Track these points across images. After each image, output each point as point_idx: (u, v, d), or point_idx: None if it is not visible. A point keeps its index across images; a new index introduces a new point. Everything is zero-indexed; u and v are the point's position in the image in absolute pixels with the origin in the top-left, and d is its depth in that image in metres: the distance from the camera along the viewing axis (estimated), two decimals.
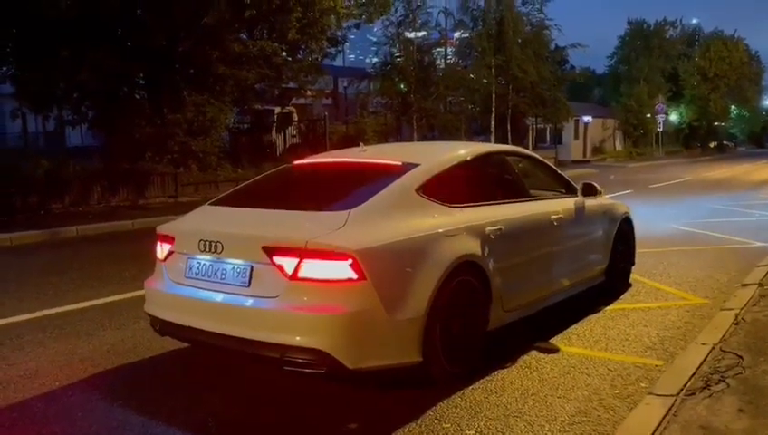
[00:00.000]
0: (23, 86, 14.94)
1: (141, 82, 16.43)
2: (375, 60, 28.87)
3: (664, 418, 3.20)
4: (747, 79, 53.90)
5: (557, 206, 5.30)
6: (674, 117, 49.51)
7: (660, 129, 42.87)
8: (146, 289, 4.24)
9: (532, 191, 5.38)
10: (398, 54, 27.37)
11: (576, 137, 37.74)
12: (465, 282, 4.00)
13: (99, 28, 13.95)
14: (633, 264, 6.58)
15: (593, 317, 5.39)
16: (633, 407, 3.51)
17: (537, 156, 5.94)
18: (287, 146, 21.86)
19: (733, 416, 3.19)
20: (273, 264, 3.51)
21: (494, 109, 29.00)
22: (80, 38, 13.81)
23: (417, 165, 4.26)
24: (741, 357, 4.02)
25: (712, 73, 50.40)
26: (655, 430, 3.09)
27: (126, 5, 14.11)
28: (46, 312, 5.76)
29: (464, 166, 4.63)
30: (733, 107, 56.86)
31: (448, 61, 31.40)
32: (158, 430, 3.46)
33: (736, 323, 4.77)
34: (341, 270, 3.41)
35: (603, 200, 6.10)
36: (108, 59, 13.90)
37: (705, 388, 3.56)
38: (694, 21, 57.63)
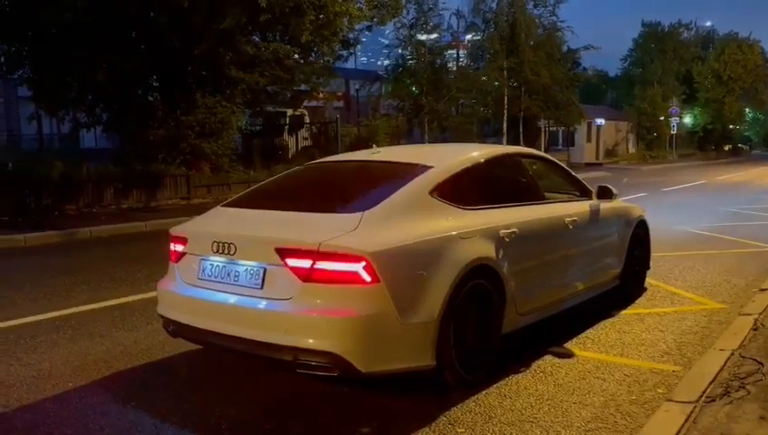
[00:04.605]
0: (38, 88, 15.08)
1: (154, 84, 16.53)
2: (387, 62, 28.95)
3: (683, 425, 3.14)
4: (762, 82, 53.27)
5: (572, 209, 5.24)
6: (688, 120, 49.13)
7: (674, 131, 42.54)
8: (158, 291, 4.24)
9: (546, 194, 5.33)
10: (409, 57, 27.41)
11: (589, 139, 37.54)
12: (480, 285, 3.95)
13: (113, 31, 14.05)
14: (648, 268, 6.50)
15: (608, 322, 5.32)
16: (651, 413, 3.45)
17: (552, 158, 5.88)
18: (299, 148, 21.90)
19: (754, 424, 3.12)
20: (287, 266, 3.49)
21: (506, 111, 28.92)
22: (94, 41, 13.92)
23: (430, 167, 4.23)
24: (761, 363, 3.94)
25: (726, 76, 49.91)
26: None
27: (140, 9, 14.20)
28: (59, 312, 5.78)
29: (478, 168, 4.58)
30: (747, 110, 56.28)
31: (460, 63, 31.36)
32: (171, 432, 3.45)
33: (755, 329, 4.69)
34: (355, 272, 3.38)
35: (618, 203, 6.03)
36: (122, 61, 14.00)
37: (724, 395, 3.49)
38: (708, 23, 57.26)
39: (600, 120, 38.61)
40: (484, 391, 3.84)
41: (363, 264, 3.37)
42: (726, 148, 55.42)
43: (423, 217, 3.88)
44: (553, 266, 4.91)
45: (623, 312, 5.61)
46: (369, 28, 20.43)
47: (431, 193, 4.02)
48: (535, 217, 4.72)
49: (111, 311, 5.84)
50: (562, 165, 5.88)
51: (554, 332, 4.91)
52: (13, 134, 24.72)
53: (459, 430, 3.37)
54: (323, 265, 3.40)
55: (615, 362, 4.39)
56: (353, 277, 3.39)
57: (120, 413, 3.69)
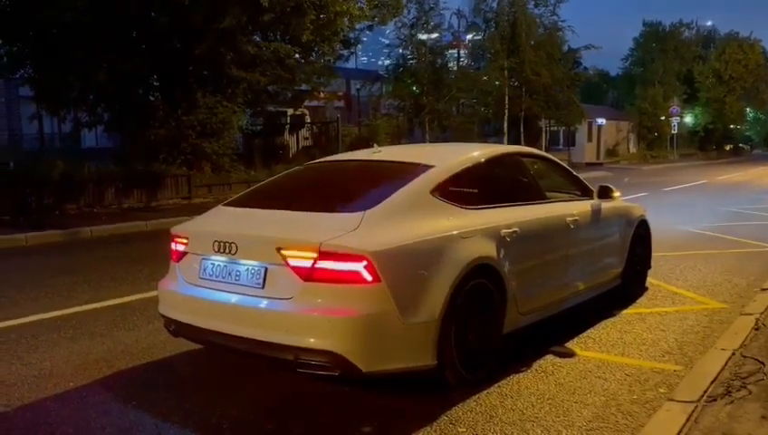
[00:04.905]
0: (40, 88, 15.09)
1: (155, 83, 16.54)
2: (387, 62, 28.99)
3: (684, 424, 3.14)
4: (763, 81, 53.25)
5: (573, 208, 5.24)
6: (689, 119, 49.11)
7: (675, 131, 42.53)
8: (159, 290, 4.24)
9: (547, 193, 5.32)
10: (410, 56, 27.44)
11: (589, 139, 37.53)
12: (481, 284, 3.95)
13: (113, 31, 14.05)
14: (650, 267, 6.49)
15: (609, 321, 5.32)
16: (652, 413, 3.45)
17: (552, 157, 5.88)
18: (300, 148, 21.92)
19: (756, 423, 3.12)
20: (288, 265, 3.49)
21: (506, 111, 28.92)
22: (95, 41, 13.93)
23: (431, 166, 4.23)
24: (762, 363, 3.94)
25: (727, 76, 49.90)
26: None
27: (141, 9, 14.20)
28: (60, 312, 5.78)
29: (479, 167, 4.58)
30: (748, 110, 56.26)
31: (461, 63, 31.37)
32: (172, 432, 3.45)
33: (756, 329, 4.68)
34: (356, 272, 3.38)
35: (619, 203, 6.02)
36: (122, 61, 14.01)
37: (726, 394, 3.49)
38: (709, 23, 57.26)
39: (601, 120, 38.59)
40: (485, 391, 3.84)
41: (364, 263, 3.37)
42: (727, 147, 55.41)
43: (424, 216, 3.87)
44: (554, 266, 4.91)
45: (624, 311, 5.61)
46: (369, 28, 20.45)
47: (432, 193, 4.01)
48: (536, 216, 4.72)
49: (112, 310, 5.84)
50: (563, 164, 5.88)
51: (555, 331, 4.90)
52: (14, 134, 24.75)
53: (460, 430, 3.37)
54: (324, 264, 3.40)
55: (616, 361, 4.39)
56: (354, 277, 3.39)
57: (122, 412, 3.69)
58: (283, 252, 3.50)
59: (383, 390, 3.84)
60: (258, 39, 16.83)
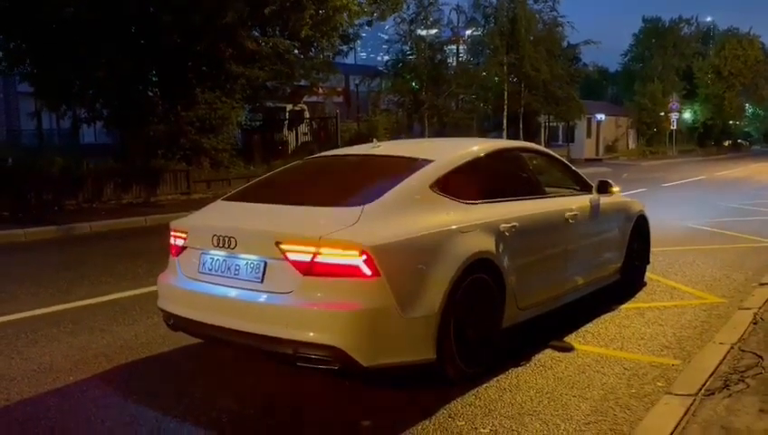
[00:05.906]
0: (39, 84, 15.05)
1: (154, 79, 16.51)
2: (387, 58, 28.96)
3: (683, 418, 3.15)
4: (763, 77, 53.25)
5: (572, 203, 5.24)
6: (688, 115, 49.13)
7: (674, 127, 42.55)
8: (159, 285, 4.24)
9: (547, 188, 5.33)
10: (409, 52, 27.42)
11: (589, 135, 37.55)
12: (480, 279, 3.95)
13: (113, 27, 14.02)
14: (648, 262, 6.50)
15: (608, 316, 5.33)
16: (650, 407, 3.46)
17: (552, 153, 5.88)
18: (299, 143, 21.90)
19: (754, 416, 3.13)
20: (287, 259, 3.49)
21: (506, 107, 28.91)
22: (94, 37, 13.89)
23: (431, 161, 4.23)
24: (760, 357, 3.95)
25: (726, 72, 49.91)
26: (674, 431, 3.04)
27: (140, 6, 14.16)
28: (60, 307, 5.78)
29: (478, 162, 4.58)
30: (747, 106, 56.28)
31: (460, 59, 31.34)
32: (172, 426, 3.46)
33: (755, 323, 4.69)
34: (355, 266, 3.39)
35: (618, 198, 6.03)
36: (122, 58, 13.98)
37: (724, 388, 3.50)
38: (708, 19, 57.24)
39: (600, 116, 38.62)
40: (484, 385, 3.85)
41: (364, 257, 3.37)
42: (726, 143, 55.46)
43: (423, 211, 3.88)
44: (554, 261, 4.91)
45: (623, 306, 5.62)
46: (369, 23, 20.42)
47: (431, 187, 4.02)
48: (536, 211, 4.72)
49: (112, 305, 5.85)
50: (563, 159, 5.88)
51: (554, 326, 4.91)
52: (12, 130, 24.69)
53: (459, 423, 3.38)
54: (324, 258, 3.41)
55: (615, 355, 4.40)
56: (354, 271, 3.39)
57: (121, 407, 3.69)
58: (282, 246, 3.50)
59: (382, 384, 3.84)
60: (257, 34, 16.81)
